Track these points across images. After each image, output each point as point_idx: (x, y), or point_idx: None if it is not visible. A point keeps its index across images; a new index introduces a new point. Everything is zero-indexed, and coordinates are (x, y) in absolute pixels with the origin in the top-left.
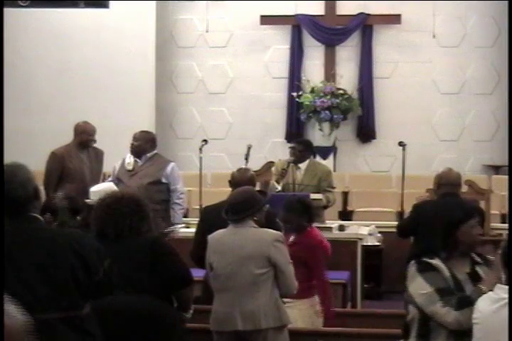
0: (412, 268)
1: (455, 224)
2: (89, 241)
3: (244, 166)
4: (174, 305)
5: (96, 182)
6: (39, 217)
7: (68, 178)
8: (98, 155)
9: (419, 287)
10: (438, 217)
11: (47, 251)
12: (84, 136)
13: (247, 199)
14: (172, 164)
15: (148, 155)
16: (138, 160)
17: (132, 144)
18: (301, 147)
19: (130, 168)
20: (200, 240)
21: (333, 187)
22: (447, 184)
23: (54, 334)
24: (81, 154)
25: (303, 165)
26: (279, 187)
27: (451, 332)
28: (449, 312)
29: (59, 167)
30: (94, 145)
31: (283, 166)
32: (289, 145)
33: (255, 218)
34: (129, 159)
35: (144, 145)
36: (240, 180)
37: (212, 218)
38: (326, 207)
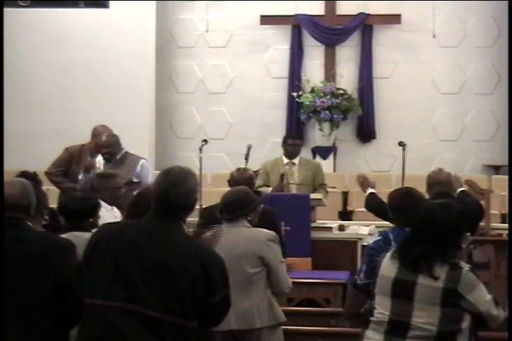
0: (471, 274)
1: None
2: (220, 262)
3: (243, 166)
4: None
5: None
6: (182, 224)
7: (72, 178)
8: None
9: (483, 294)
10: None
11: (176, 255)
12: (99, 139)
13: (240, 199)
14: (142, 161)
15: (118, 157)
16: (109, 163)
17: (103, 152)
18: (300, 141)
19: None
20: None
21: (325, 183)
22: (436, 183)
23: (163, 334)
24: (92, 158)
25: (296, 161)
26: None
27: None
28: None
29: (64, 163)
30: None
31: (273, 166)
32: (290, 142)
33: (249, 218)
34: (99, 163)
35: (115, 149)
36: (239, 179)
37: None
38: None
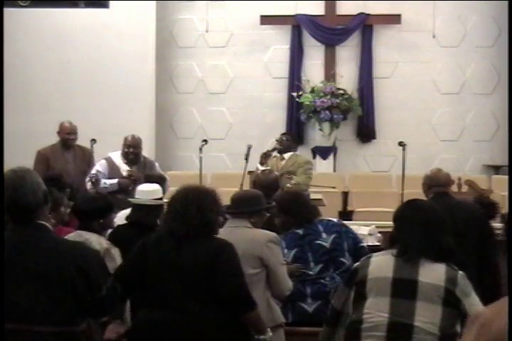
0: (466, 280)
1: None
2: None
3: (268, 167)
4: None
5: (81, 181)
6: (47, 224)
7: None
8: (85, 155)
9: (477, 300)
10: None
11: (49, 261)
12: (63, 136)
13: (249, 198)
14: (156, 163)
15: (141, 159)
16: (134, 165)
17: (129, 152)
18: (288, 137)
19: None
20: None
21: (309, 175)
22: (437, 185)
23: None
24: (66, 154)
25: (286, 156)
26: (262, 168)
27: None
28: None
29: (44, 166)
30: (79, 144)
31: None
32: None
33: (252, 220)
34: (124, 165)
35: (141, 150)
36: (264, 181)
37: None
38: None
